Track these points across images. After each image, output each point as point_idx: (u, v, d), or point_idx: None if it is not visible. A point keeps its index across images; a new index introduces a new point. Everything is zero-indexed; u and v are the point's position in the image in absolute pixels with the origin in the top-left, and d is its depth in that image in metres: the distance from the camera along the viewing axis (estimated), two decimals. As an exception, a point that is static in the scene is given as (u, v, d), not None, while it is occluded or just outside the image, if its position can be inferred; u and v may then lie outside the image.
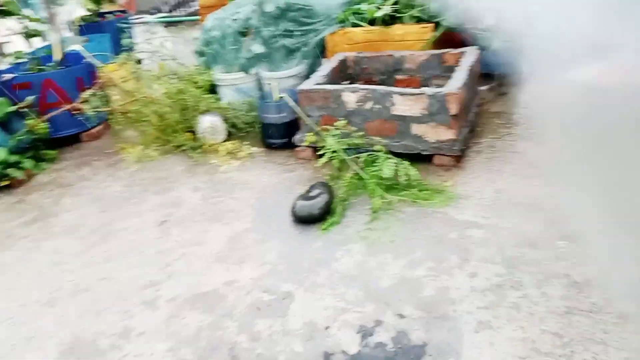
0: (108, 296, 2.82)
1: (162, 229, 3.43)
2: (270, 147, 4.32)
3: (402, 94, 3.53)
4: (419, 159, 3.67)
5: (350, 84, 4.48)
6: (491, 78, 4.66)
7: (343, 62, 4.44)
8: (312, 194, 3.31)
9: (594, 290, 2.35)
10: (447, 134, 3.51)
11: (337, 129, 3.63)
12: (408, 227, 3.02)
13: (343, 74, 4.47)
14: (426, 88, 3.53)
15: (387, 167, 3.32)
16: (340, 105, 3.76)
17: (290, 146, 4.21)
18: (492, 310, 2.34)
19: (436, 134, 3.54)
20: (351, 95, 3.69)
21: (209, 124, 4.42)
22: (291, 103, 3.95)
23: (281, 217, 3.32)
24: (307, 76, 4.69)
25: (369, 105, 3.66)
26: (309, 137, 3.81)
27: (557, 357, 2.05)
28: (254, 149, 4.31)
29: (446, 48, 4.66)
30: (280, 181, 3.78)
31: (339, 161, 3.53)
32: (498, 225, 2.92)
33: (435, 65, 4.25)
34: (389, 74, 4.42)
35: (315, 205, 3.20)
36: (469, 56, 4.02)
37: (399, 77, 4.41)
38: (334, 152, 3.50)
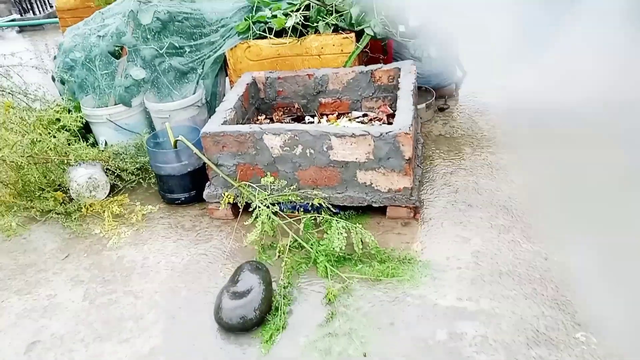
0: None
1: (32, 357, 2.39)
2: (171, 203, 3.35)
3: (340, 136, 2.75)
4: (369, 210, 2.95)
5: (265, 115, 3.63)
6: (427, 92, 4.03)
7: (253, 86, 3.56)
8: (241, 284, 2.45)
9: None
10: (401, 182, 2.80)
11: (263, 190, 2.79)
12: (380, 326, 2.28)
13: (255, 99, 3.59)
14: (371, 128, 2.77)
15: (337, 236, 2.55)
16: (261, 150, 2.90)
17: (198, 199, 3.29)
18: None
19: (388, 181, 2.82)
20: (274, 139, 2.85)
21: (85, 178, 3.34)
22: (194, 149, 3.02)
23: (202, 322, 2.44)
24: (208, 104, 3.76)
25: (299, 150, 2.85)
26: (227, 197, 2.92)
27: None
28: (150, 207, 3.32)
29: (369, 59, 3.97)
30: (193, 258, 2.86)
31: (272, 228, 2.70)
32: (493, 311, 2.28)
33: (365, 85, 3.51)
34: (311, 97, 3.62)
35: (250, 304, 2.35)
36: (406, 74, 3.32)
37: (323, 100, 3.62)
38: (266, 217, 2.66)
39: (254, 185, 2.86)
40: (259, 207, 2.71)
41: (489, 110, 4.00)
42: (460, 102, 4.22)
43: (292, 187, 2.92)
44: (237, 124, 3.22)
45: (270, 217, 2.69)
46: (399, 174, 2.77)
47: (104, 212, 3.29)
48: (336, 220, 2.63)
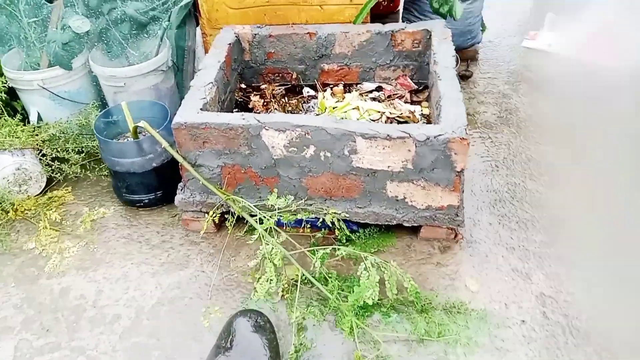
0: None
1: None
2: (130, 205, 2.56)
3: (369, 138, 2.00)
4: (395, 227, 2.28)
5: (251, 84, 2.82)
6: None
7: (236, 46, 2.70)
8: (238, 352, 1.76)
9: None
10: (446, 199, 2.12)
11: (269, 216, 2.05)
12: (435, 422, 1.68)
13: (237, 63, 2.75)
14: (412, 127, 2.03)
15: (369, 286, 1.87)
16: (258, 150, 2.13)
17: (166, 199, 2.52)
18: None
19: (428, 197, 2.13)
20: (277, 137, 2.07)
21: (12, 170, 2.49)
22: (163, 143, 2.20)
23: (186, 406, 1.76)
24: (174, 66, 2.89)
25: (310, 152, 2.09)
26: (211, 215, 2.18)
27: None
28: (102, 211, 2.53)
29: (379, 14, 3.15)
30: (164, 295, 2.14)
31: (278, 260, 1.98)
32: (585, 399, 1.71)
33: (382, 50, 2.73)
34: (311, 62, 2.80)
35: (253, 388, 1.69)
36: (441, 40, 2.56)
37: (326, 66, 2.82)
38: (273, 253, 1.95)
39: (252, 206, 2.10)
40: (264, 237, 1.98)
41: (522, 80, 3.30)
42: (482, 67, 3.49)
43: (298, 197, 2.20)
44: (219, 102, 2.41)
45: (278, 251, 1.96)
46: (445, 189, 2.08)
47: (39, 216, 2.47)
48: (367, 260, 1.94)
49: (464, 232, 2.29)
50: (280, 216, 2.11)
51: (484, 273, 2.12)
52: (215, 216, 2.16)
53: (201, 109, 2.18)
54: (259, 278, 1.90)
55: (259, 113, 2.55)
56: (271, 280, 1.85)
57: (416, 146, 1.99)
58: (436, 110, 2.23)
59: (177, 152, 2.19)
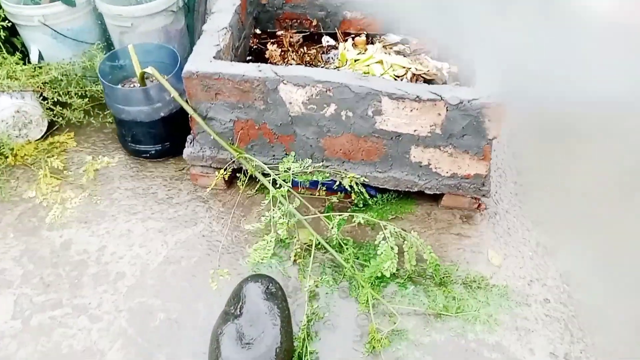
0: None
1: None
2: (136, 155, 2.43)
3: (396, 98, 1.84)
4: (415, 194, 2.15)
5: (267, 31, 2.63)
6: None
7: (252, -11, 2.50)
8: (248, 319, 1.68)
9: None
10: (474, 167, 1.98)
11: (284, 179, 1.92)
12: (451, 403, 1.61)
13: (253, 6, 2.55)
14: (443, 89, 1.86)
15: (388, 257, 1.77)
16: (274, 105, 1.97)
17: (173, 151, 2.39)
18: None
19: (454, 164, 2.00)
20: (295, 92, 1.91)
21: (11, 112, 2.34)
22: (173, 92, 2.04)
23: (193, 373, 1.70)
24: (185, 6, 2.68)
25: (330, 110, 1.94)
26: (221, 173, 2.05)
27: None
28: (106, 160, 2.40)
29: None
30: (171, 253, 2.04)
31: (291, 225, 1.88)
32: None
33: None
34: (333, 8, 2.60)
35: (264, 358, 1.61)
36: (476, -9, 2.34)
37: (348, 14, 2.61)
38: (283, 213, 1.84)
39: (263, 166, 1.97)
40: (279, 201, 1.85)
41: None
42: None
43: (314, 158, 2.06)
44: (232, 49, 2.23)
45: (292, 216, 1.85)
46: (474, 157, 1.94)
47: (39, 163, 2.35)
48: (386, 229, 1.82)
49: (488, 202, 2.16)
50: (296, 178, 1.99)
51: (507, 246, 2.02)
52: (226, 174, 2.04)
53: (214, 57, 2.01)
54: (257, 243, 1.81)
55: (276, 64, 2.38)
56: (268, 249, 1.75)
57: (447, 110, 1.84)
58: (469, 71, 2.05)
59: (187, 102, 2.04)
